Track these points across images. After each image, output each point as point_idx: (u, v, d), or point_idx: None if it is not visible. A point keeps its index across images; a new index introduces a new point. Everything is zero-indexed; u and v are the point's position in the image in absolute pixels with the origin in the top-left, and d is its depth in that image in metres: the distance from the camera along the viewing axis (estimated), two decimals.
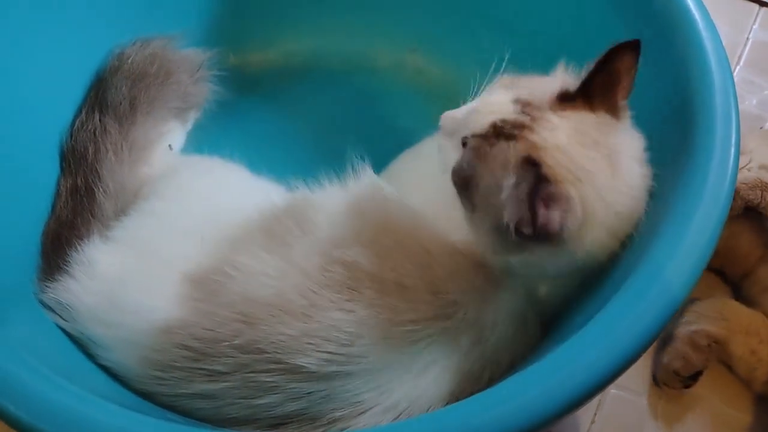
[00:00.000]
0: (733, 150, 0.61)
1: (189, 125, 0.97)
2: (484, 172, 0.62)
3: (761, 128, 1.06)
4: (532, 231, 0.57)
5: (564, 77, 0.67)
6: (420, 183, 0.77)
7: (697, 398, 0.83)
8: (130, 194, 0.80)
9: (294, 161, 0.93)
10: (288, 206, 0.72)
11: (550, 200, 0.57)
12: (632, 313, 0.54)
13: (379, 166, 0.81)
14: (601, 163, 0.61)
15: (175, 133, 0.93)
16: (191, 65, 0.92)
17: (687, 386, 0.83)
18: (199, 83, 0.94)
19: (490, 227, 0.63)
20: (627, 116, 0.66)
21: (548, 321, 0.69)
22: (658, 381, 0.84)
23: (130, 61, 0.86)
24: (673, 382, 0.83)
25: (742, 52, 1.15)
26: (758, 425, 0.79)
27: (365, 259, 0.65)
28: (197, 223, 0.72)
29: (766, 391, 0.79)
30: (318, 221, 0.69)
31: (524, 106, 0.63)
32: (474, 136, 0.64)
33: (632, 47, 0.62)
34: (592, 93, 0.63)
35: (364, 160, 0.75)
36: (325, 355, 0.60)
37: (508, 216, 0.59)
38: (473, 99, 0.70)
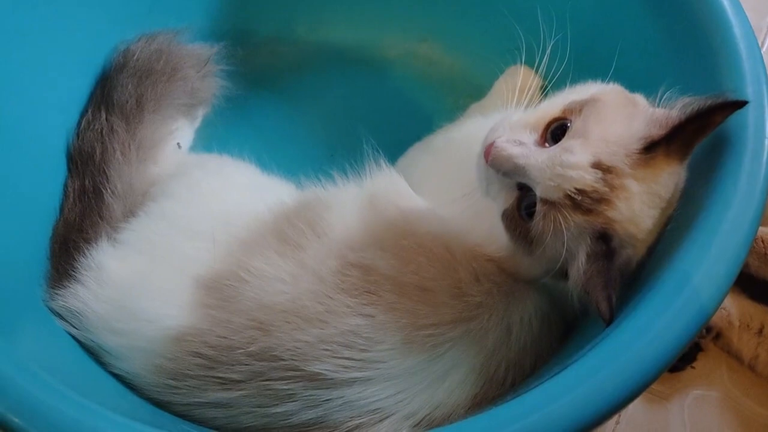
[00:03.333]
0: (766, 145, 0.58)
1: (198, 122, 0.95)
2: (553, 237, 0.58)
3: None
4: (609, 315, 0.55)
5: (634, 114, 0.60)
6: (439, 184, 0.75)
7: (723, 398, 0.81)
8: (139, 195, 0.78)
9: (306, 157, 0.91)
10: (300, 206, 0.70)
11: (619, 279, 0.56)
12: (659, 322, 0.52)
13: (391, 159, 0.79)
14: (659, 218, 0.59)
15: (183, 131, 0.91)
16: (198, 60, 0.90)
17: (671, 369, 0.80)
18: (206, 78, 0.92)
19: (541, 268, 0.62)
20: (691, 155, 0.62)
21: (572, 322, 0.67)
22: None
23: (135, 57, 0.84)
24: None
25: (765, 38, 1.11)
26: None
27: (384, 262, 0.63)
28: (208, 225, 0.70)
29: None
30: (332, 222, 0.67)
31: (605, 172, 0.57)
32: (544, 201, 0.58)
33: (738, 105, 0.58)
34: (675, 141, 0.58)
35: (380, 154, 0.74)
36: (343, 362, 0.59)
37: (577, 283, 0.58)
38: (520, 107, 0.67)
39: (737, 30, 0.66)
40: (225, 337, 0.60)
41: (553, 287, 0.65)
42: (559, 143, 0.59)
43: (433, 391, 0.60)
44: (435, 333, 0.60)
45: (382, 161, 0.74)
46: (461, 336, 0.61)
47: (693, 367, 0.81)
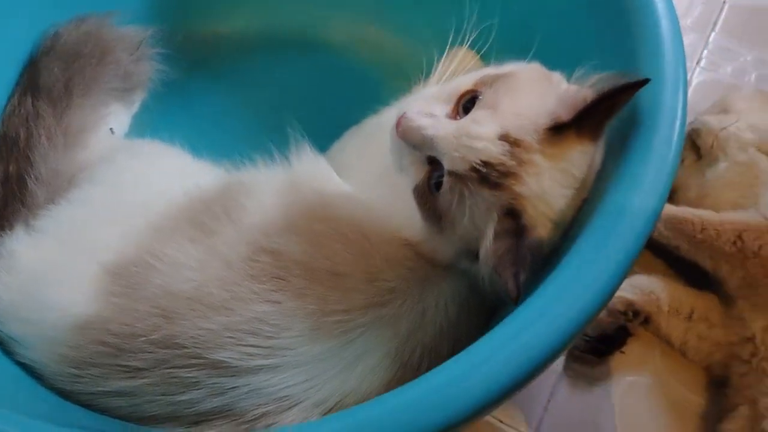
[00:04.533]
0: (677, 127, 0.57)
1: (134, 107, 0.93)
2: (460, 211, 0.58)
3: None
4: (516, 294, 0.53)
5: (548, 91, 0.60)
6: (365, 168, 0.73)
7: (654, 384, 0.80)
8: (65, 181, 0.77)
9: (247, 142, 0.86)
10: (220, 191, 0.69)
11: (528, 258, 0.54)
12: (555, 308, 0.51)
13: None
14: (573, 198, 0.58)
15: (117, 116, 0.89)
16: (131, 43, 0.88)
17: (599, 354, 0.80)
18: (141, 62, 0.90)
19: (454, 248, 0.61)
20: (603, 135, 0.61)
21: (494, 308, 0.66)
22: (572, 349, 0.82)
23: (62, 41, 0.82)
24: (581, 343, 0.81)
25: (718, 17, 1.10)
26: (713, 408, 0.77)
27: (295, 247, 0.62)
28: (125, 212, 0.69)
29: (724, 374, 0.77)
30: (249, 207, 0.66)
31: (512, 145, 0.56)
32: (451, 173, 0.57)
33: (641, 84, 0.57)
34: (584, 121, 0.58)
35: (305, 139, 0.72)
36: (248, 349, 0.58)
37: (486, 262, 0.57)
38: (435, 78, 0.66)
39: (660, 10, 0.65)
40: (128, 325, 0.58)
41: (471, 273, 0.64)
42: (468, 115, 0.58)
43: (344, 377, 0.59)
44: (345, 319, 0.59)
45: (306, 146, 0.73)
46: (373, 321, 0.60)
47: (623, 352, 0.81)
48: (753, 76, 1.03)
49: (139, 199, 0.71)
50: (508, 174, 0.56)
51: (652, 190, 0.54)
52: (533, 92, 0.59)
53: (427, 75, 0.67)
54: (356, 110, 0.91)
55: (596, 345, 0.79)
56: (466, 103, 0.60)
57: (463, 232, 0.59)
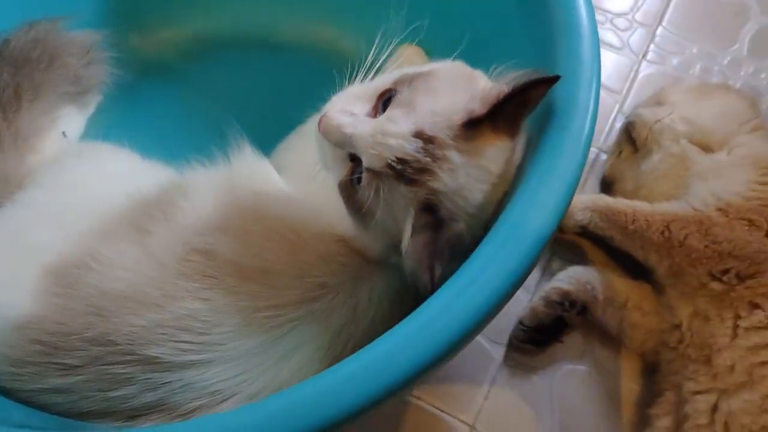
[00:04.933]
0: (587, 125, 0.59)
1: (89, 110, 0.94)
2: (381, 207, 0.59)
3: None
4: (431, 285, 0.55)
5: (467, 88, 0.61)
6: (301, 166, 0.75)
7: (590, 372, 0.82)
8: (14, 185, 0.78)
9: (203, 143, 0.90)
10: (159, 193, 0.70)
11: (445, 252, 0.56)
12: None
13: None
14: (490, 194, 0.60)
15: (70, 119, 0.91)
16: (80, 48, 0.89)
17: (536, 344, 0.82)
18: (92, 66, 0.91)
19: (381, 243, 0.62)
20: (522, 132, 0.63)
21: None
22: (511, 340, 0.84)
23: (11, 47, 0.84)
24: (519, 333, 0.83)
25: (665, 10, 1.12)
26: (647, 394, 0.78)
27: (227, 246, 0.63)
28: (69, 214, 0.70)
29: (656, 361, 0.79)
30: (185, 207, 0.68)
31: (426, 142, 0.57)
32: (369, 170, 0.59)
33: (552, 81, 0.59)
34: (499, 116, 0.59)
35: (244, 138, 0.74)
36: (181, 345, 0.59)
37: (407, 257, 0.58)
38: (364, 76, 0.67)
39: (582, 11, 0.67)
40: (63, 324, 0.60)
41: (402, 267, 0.66)
42: (385, 113, 0.60)
43: (276, 371, 0.61)
44: (276, 314, 0.61)
45: (247, 146, 0.74)
46: (305, 316, 0.62)
47: (561, 342, 0.83)
48: (698, 68, 1.05)
49: (83, 201, 0.72)
50: (423, 170, 0.57)
51: (560, 187, 0.56)
52: (450, 90, 0.61)
53: (356, 73, 0.68)
54: (311, 109, 0.93)
55: (533, 335, 0.81)
56: (386, 101, 0.61)
57: (385, 227, 0.60)
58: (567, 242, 0.89)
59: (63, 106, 0.89)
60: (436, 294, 0.53)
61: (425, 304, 0.53)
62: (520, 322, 0.82)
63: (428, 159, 0.57)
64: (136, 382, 0.59)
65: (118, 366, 0.59)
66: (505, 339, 0.84)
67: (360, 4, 1.00)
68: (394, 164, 0.57)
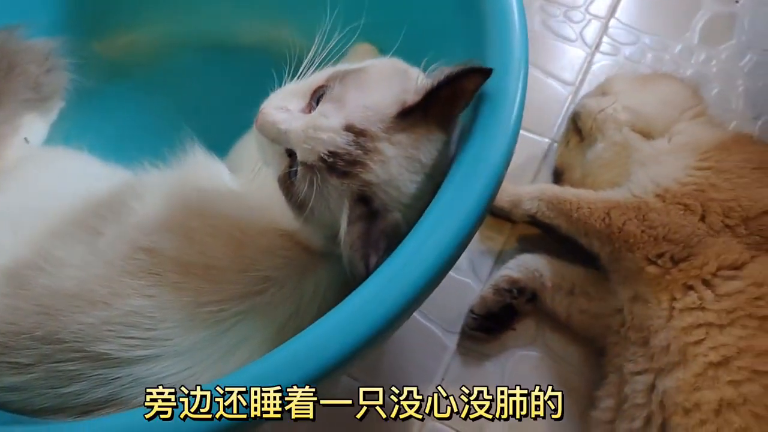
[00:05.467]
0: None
1: (51, 116, 0.96)
2: (317, 200, 0.61)
3: None
4: (366, 274, 0.57)
5: (401, 82, 0.63)
6: (248, 164, 0.76)
7: (543, 358, 0.84)
8: None
9: (160, 147, 0.91)
10: (111, 194, 0.72)
11: (381, 241, 0.58)
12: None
13: None
14: (423, 184, 0.62)
15: (32, 126, 0.92)
16: (38, 55, 0.91)
17: (487, 331, 0.84)
18: (52, 73, 0.93)
19: (322, 235, 0.64)
20: (456, 128, 0.64)
21: None
22: (463, 328, 0.86)
23: None
24: (470, 321, 0.84)
25: (618, 2, 1.13)
26: (596, 381, 0.80)
27: (169, 244, 0.65)
28: (24, 217, 0.72)
29: (603, 345, 0.81)
30: (135, 207, 0.69)
31: (357, 135, 0.59)
32: (303, 164, 0.61)
33: (485, 73, 0.60)
34: (432, 107, 0.61)
35: (194, 139, 0.76)
36: (128, 341, 0.61)
37: (344, 247, 0.59)
38: (301, 73, 0.69)
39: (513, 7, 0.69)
40: (13, 323, 0.62)
41: None
42: (317, 108, 0.62)
43: (222, 364, 0.62)
44: (218, 309, 0.62)
45: (197, 147, 0.76)
46: (249, 310, 0.63)
47: (513, 329, 0.85)
48: (649, 57, 1.07)
49: (38, 205, 0.74)
50: (354, 162, 0.59)
51: (487, 174, 0.58)
52: (383, 84, 0.63)
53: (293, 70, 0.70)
54: None
55: (484, 323, 0.83)
56: (319, 97, 0.63)
57: (323, 219, 0.62)
58: (518, 231, 0.92)
59: (25, 114, 0.91)
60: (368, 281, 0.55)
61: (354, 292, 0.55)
62: (471, 311, 0.84)
63: (359, 152, 0.59)
64: (87, 378, 0.61)
65: (68, 363, 0.61)
66: (458, 328, 0.85)
67: (309, 2, 1.02)
68: (326, 157, 0.59)
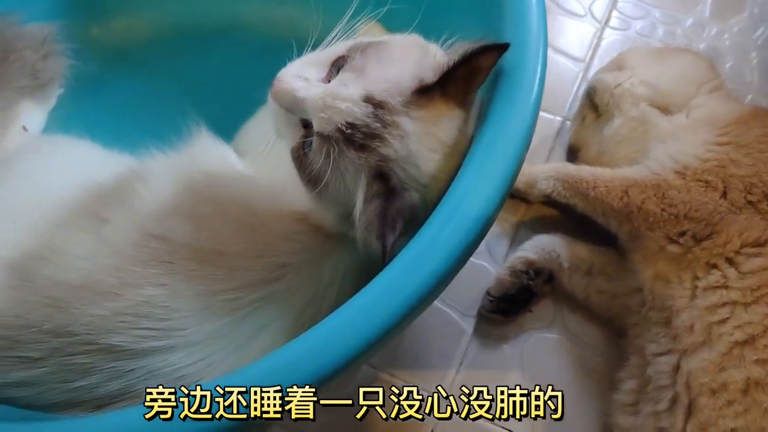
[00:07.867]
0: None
1: (50, 103, 0.94)
2: (332, 174, 0.59)
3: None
4: (382, 255, 0.55)
5: (420, 58, 0.61)
6: (259, 145, 0.74)
7: (561, 340, 0.83)
8: None
9: (163, 133, 0.89)
10: (116, 180, 0.70)
11: (398, 221, 0.56)
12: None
13: None
14: (442, 164, 0.60)
15: (30, 113, 0.90)
16: (35, 40, 0.89)
17: (504, 314, 0.83)
18: (49, 58, 0.91)
19: (336, 213, 0.62)
20: (474, 104, 0.63)
21: None
22: (480, 311, 0.85)
23: None
24: (487, 304, 0.83)
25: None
26: (616, 362, 0.79)
27: (181, 230, 0.63)
28: (26, 208, 0.70)
29: (623, 326, 0.80)
30: (143, 194, 0.67)
31: (376, 107, 0.57)
32: (319, 135, 0.59)
33: (500, 48, 0.59)
34: (449, 85, 0.59)
35: (201, 123, 0.74)
36: (141, 332, 0.59)
37: (359, 226, 0.58)
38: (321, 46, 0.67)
39: None
40: (21, 317, 0.60)
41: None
42: (336, 78, 0.60)
43: (241, 353, 0.61)
44: (234, 297, 0.61)
45: (204, 131, 0.74)
46: (265, 297, 0.62)
47: (531, 311, 0.83)
48: (661, 31, 1.05)
49: (40, 194, 0.72)
50: (373, 136, 0.57)
51: (506, 157, 0.56)
52: (403, 59, 0.61)
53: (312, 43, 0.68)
54: None
55: (501, 305, 0.82)
56: (339, 68, 0.61)
57: (338, 196, 0.60)
58: (534, 212, 0.90)
59: (22, 101, 0.89)
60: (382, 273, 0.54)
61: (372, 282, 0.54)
62: (488, 293, 0.83)
63: (378, 125, 0.57)
64: (99, 371, 0.59)
65: (80, 356, 0.59)
66: (475, 311, 0.84)
67: None
68: (343, 128, 0.57)
